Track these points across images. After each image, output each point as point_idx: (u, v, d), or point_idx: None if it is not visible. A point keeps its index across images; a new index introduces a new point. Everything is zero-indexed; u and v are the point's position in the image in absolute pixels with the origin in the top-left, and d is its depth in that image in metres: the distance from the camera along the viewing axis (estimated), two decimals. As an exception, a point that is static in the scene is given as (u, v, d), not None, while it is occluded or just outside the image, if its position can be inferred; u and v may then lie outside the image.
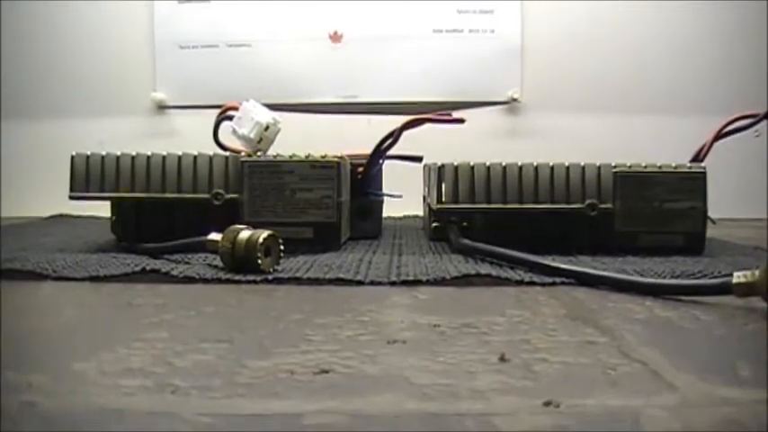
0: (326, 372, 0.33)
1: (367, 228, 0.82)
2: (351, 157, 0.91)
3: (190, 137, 1.15)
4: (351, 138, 1.14)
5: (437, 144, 1.16)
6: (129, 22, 1.15)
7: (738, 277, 0.45)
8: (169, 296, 0.50)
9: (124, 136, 1.15)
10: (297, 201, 0.68)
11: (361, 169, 0.80)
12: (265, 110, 0.73)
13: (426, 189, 0.85)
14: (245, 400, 0.29)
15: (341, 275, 0.55)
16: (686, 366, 0.33)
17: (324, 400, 0.29)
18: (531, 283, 0.54)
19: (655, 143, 1.15)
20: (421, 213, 0.95)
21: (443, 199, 0.70)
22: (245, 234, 0.57)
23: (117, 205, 0.71)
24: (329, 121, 1.15)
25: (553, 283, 0.54)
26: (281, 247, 0.58)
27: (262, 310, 0.46)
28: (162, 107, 1.16)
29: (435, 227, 0.77)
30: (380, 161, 0.79)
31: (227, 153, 0.70)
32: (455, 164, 0.70)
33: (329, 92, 1.15)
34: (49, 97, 1.17)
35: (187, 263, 0.61)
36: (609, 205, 0.69)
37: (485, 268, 0.57)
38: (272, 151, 0.77)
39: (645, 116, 1.15)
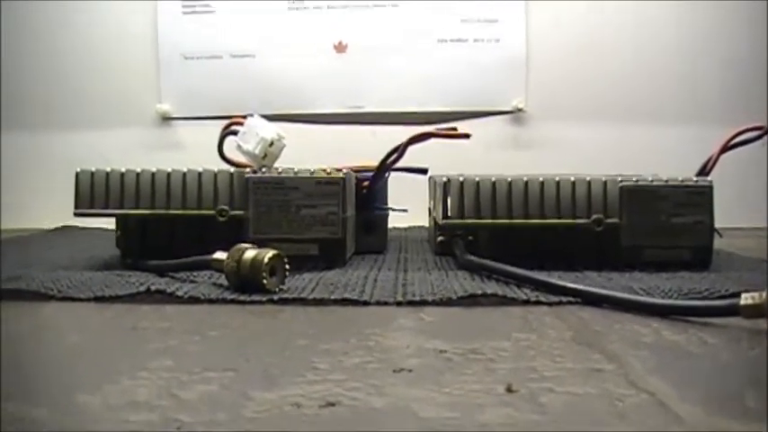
0: (333, 405, 0.32)
1: (372, 242, 0.81)
2: (356, 169, 0.91)
3: (195, 148, 1.15)
4: (355, 149, 1.14)
5: (442, 153, 1.16)
6: (132, 33, 1.15)
7: (746, 299, 0.45)
8: (174, 319, 0.49)
9: (129, 148, 1.15)
10: (302, 217, 0.68)
11: (366, 184, 0.80)
12: (270, 125, 0.73)
13: (432, 202, 0.85)
14: (251, 437, 0.29)
15: (346, 295, 0.55)
16: (693, 397, 0.33)
17: (330, 436, 0.29)
18: (538, 303, 0.54)
19: (661, 153, 1.15)
20: (426, 224, 0.95)
21: (449, 214, 0.70)
22: (250, 253, 0.57)
23: (122, 221, 0.71)
24: (334, 132, 1.15)
25: (559, 303, 0.54)
26: (287, 266, 0.58)
27: (267, 334, 0.46)
28: (167, 118, 1.16)
29: (440, 241, 0.77)
30: (385, 176, 0.79)
31: (232, 169, 0.70)
32: (461, 179, 0.70)
33: (334, 102, 1.14)
34: (53, 109, 1.17)
35: (193, 281, 0.61)
36: (615, 220, 0.69)
37: (491, 287, 0.57)
38: (277, 164, 0.77)
39: (651, 126, 1.15)
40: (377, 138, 1.15)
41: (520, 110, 1.15)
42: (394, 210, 0.83)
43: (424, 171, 0.92)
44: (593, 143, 1.15)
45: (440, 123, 1.16)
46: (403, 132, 1.16)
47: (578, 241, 0.70)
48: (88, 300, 0.55)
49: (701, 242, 0.69)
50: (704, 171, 0.79)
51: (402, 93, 1.14)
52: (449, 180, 0.71)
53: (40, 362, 0.41)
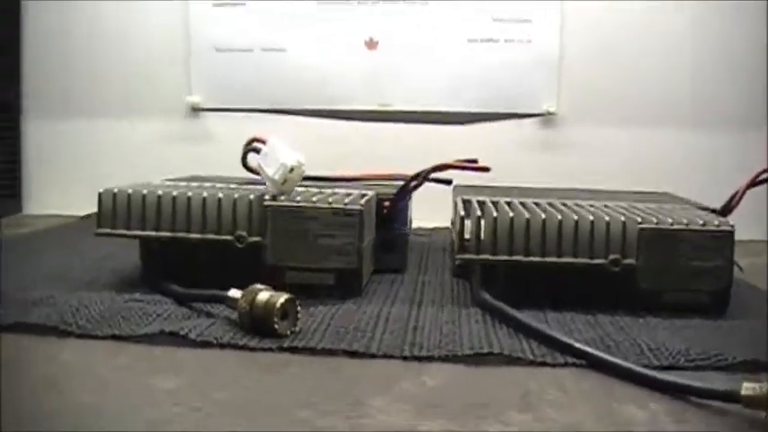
0: None
1: (392, 260, 0.82)
2: (382, 177, 0.91)
3: (224, 140, 1.17)
4: (384, 148, 1.15)
5: (470, 152, 1.16)
6: (164, 25, 1.16)
7: (747, 389, 0.45)
8: (184, 371, 0.51)
9: (160, 138, 1.17)
10: (319, 247, 0.69)
11: (387, 204, 0.80)
12: (291, 150, 0.73)
13: (453, 217, 0.84)
14: None
15: (354, 347, 0.55)
16: None
17: None
18: (543, 364, 0.54)
19: (695, 158, 1.13)
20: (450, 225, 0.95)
21: (465, 249, 0.70)
22: (263, 296, 0.58)
23: (143, 242, 0.73)
24: (363, 130, 1.15)
25: (564, 364, 0.54)
26: (298, 310, 0.59)
27: (271, 398, 0.47)
28: (196, 109, 1.17)
29: (458, 265, 0.77)
30: (406, 198, 0.79)
31: (252, 195, 0.70)
32: (478, 213, 0.70)
33: (363, 99, 1.14)
34: (85, 99, 1.19)
35: (209, 314, 0.62)
36: (632, 261, 0.68)
37: (498, 339, 0.58)
38: (302, 183, 0.78)
39: (684, 131, 1.13)
40: (405, 135, 1.15)
41: (551, 113, 1.13)
42: (414, 234, 0.83)
43: (448, 182, 0.92)
44: (624, 148, 1.13)
45: (468, 124, 1.15)
46: (432, 131, 1.16)
47: (595, 281, 0.70)
48: (105, 338, 0.57)
49: (719, 286, 0.68)
50: (730, 206, 0.78)
51: (431, 92, 1.14)
52: (466, 214, 0.70)
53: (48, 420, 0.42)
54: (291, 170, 0.71)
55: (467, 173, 0.80)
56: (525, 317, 0.62)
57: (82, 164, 1.18)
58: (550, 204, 0.77)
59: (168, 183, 0.81)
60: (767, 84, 1.11)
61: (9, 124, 1.17)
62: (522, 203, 0.77)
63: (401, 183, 0.93)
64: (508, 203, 0.77)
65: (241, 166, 0.82)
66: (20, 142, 1.18)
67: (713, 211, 0.80)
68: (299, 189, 0.76)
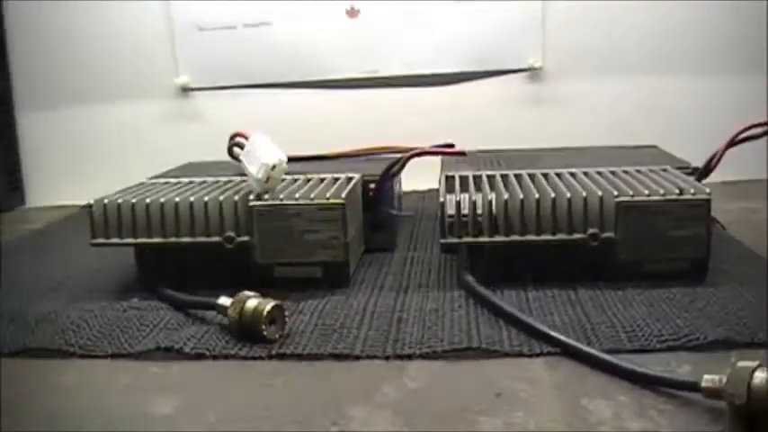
0: None
1: (382, 239, 0.84)
2: (372, 151, 0.94)
3: (214, 118, 1.18)
4: (374, 114, 1.15)
5: (459, 111, 1.17)
6: (145, 8, 1.15)
7: (707, 381, 0.47)
8: (178, 391, 0.54)
9: (151, 120, 1.18)
10: (305, 242, 0.71)
11: (372, 186, 0.82)
12: (272, 148, 0.74)
13: (440, 187, 0.84)
14: None
15: (339, 349, 0.58)
16: None
17: None
18: (519, 355, 0.56)
19: (684, 108, 1.13)
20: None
21: (447, 234, 0.71)
22: (251, 304, 0.61)
23: (137, 248, 0.75)
24: (352, 98, 1.16)
25: (540, 354, 0.56)
26: (286, 314, 0.61)
27: (259, 416, 0.50)
28: (186, 89, 1.17)
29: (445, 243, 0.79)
30: (388, 184, 0.81)
31: (236, 197, 0.72)
32: (457, 198, 0.71)
33: (349, 68, 1.14)
34: (72, 87, 1.20)
35: (203, 320, 0.65)
36: (611, 234, 0.70)
37: (478, 330, 0.60)
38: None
39: (670, 77, 1.12)
40: (392, 103, 1.15)
41: (537, 68, 1.13)
42: (399, 215, 0.84)
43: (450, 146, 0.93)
44: (612, 99, 1.13)
45: (456, 84, 1.15)
46: (420, 94, 1.16)
47: (575, 256, 0.71)
48: (105, 357, 0.60)
49: (697, 254, 0.70)
50: (709, 166, 0.79)
51: (417, 55, 1.13)
52: (446, 200, 0.72)
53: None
54: (273, 167, 0.73)
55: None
56: (505, 301, 0.65)
57: (78, 151, 1.20)
58: (531, 176, 0.79)
59: (159, 182, 0.83)
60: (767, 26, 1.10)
61: (5, 118, 1.19)
62: (503, 177, 0.79)
63: (391, 155, 0.95)
64: (490, 179, 0.78)
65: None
66: (17, 135, 1.19)
67: (694, 170, 0.81)
68: (286, 177, 0.78)
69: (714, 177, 0.81)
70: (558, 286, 0.70)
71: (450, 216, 0.71)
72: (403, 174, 0.95)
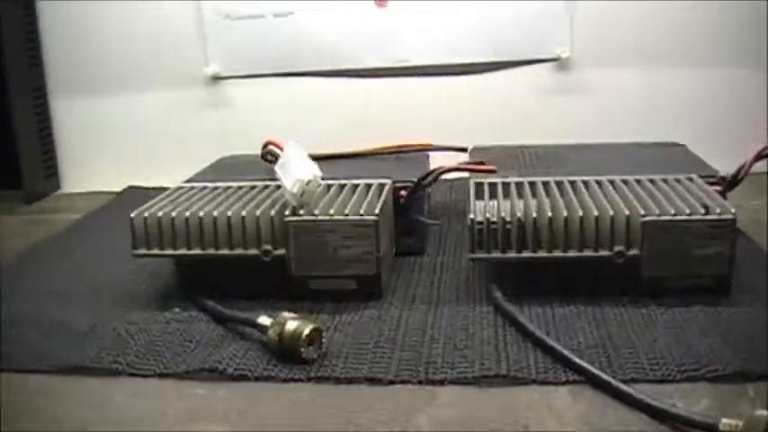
0: None
1: (411, 244, 0.87)
2: (404, 147, 0.96)
3: (244, 106, 1.20)
4: (401, 103, 1.16)
5: (485, 101, 1.17)
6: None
7: (724, 426, 0.50)
8: (223, 420, 0.57)
9: (181, 108, 1.20)
10: (339, 257, 0.74)
11: (403, 193, 0.84)
12: (307, 162, 0.76)
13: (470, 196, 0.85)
14: None
15: (373, 373, 0.61)
16: None
17: None
18: (545, 383, 0.59)
19: (711, 99, 1.12)
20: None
21: (475, 250, 0.73)
22: (290, 326, 0.64)
23: (178, 260, 0.78)
24: (380, 87, 1.17)
25: (565, 382, 0.59)
26: (323, 335, 0.64)
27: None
28: (216, 78, 1.19)
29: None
30: (420, 193, 0.83)
31: (273, 212, 0.75)
32: (487, 215, 0.73)
33: (377, 58, 1.15)
34: (107, 75, 1.21)
35: (242, 336, 0.68)
36: (636, 252, 0.72)
37: (506, 352, 0.63)
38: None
39: (700, 70, 1.12)
40: (420, 91, 1.16)
41: (564, 58, 1.13)
42: (428, 223, 0.87)
43: (463, 150, 0.96)
44: (639, 89, 1.13)
45: (483, 73, 1.16)
46: (448, 83, 1.17)
47: (601, 272, 0.73)
48: (153, 376, 0.63)
49: (720, 271, 0.72)
50: (737, 179, 0.80)
51: (445, 45, 1.14)
52: (475, 210, 0.74)
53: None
54: (308, 183, 0.75)
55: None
56: (532, 321, 0.67)
57: (111, 138, 1.23)
58: (558, 185, 0.80)
59: (196, 188, 0.85)
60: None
61: (40, 106, 1.21)
62: (531, 185, 0.80)
63: (421, 152, 0.97)
64: (518, 188, 0.80)
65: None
66: (51, 123, 1.22)
67: (722, 179, 0.82)
68: (321, 183, 0.80)
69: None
70: (584, 302, 0.72)
71: (480, 230, 0.73)
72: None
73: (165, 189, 1.18)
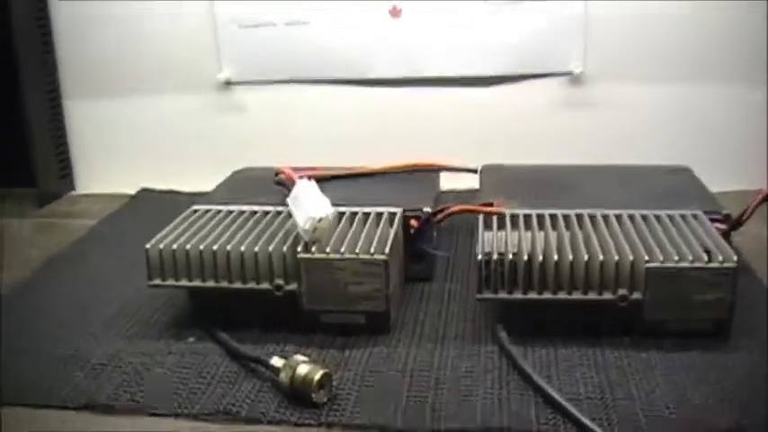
0: None
1: (420, 270, 0.89)
2: (417, 167, 0.98)
3: (255, 111, 1.21)
4: (412, 114, 1.17)
5: (496, 114, 1.18)
6: (189, 5, 1.16)
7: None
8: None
9: (194, 112, 1.21)
10: (349, 293, 0.76)
11: (413, 222, 0.85)
12: (320, 199, 0.78)
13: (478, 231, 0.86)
14: None
15: (381, 421, 0.64)
16: None
17: None
18: (546, 436, 0.62)
19: (723, 117, 1.13)
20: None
21: (482, 290, 0.75)
22: (301, 371, 0.66)
23: (192, 291, 0.80)
24: (391, 96, 1.17)
25: (566, 435, 0.62)
26: (333, 379, 0.67)
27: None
28: (229, 83, 1.20)
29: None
30: (431, 226, 0.85)
31: (285, 248, 0.76)
32: (495, 257, 0.74)
33: (391, 69, 1.16)
34: (121, 78, 1.22)
35: (255, 373, 0.71)
36: (639, 296, 0.73)
37: (509, 400, 0.65)
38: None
39: (714, 87, 1.12)
40: (431, 103, 1.17)
41: (577, 73, 1.13)
42: (437, 254, 0.88)
43: (473, 171, 0.98)
44: (651, 108, 1.13)
45: (496, 86, 1.16)
46: (459, 94, 1.18)
47: (603, 315, 0.75)
48: (169, 416, 0.66)
49: (720, 316, 0.74)
50: (741, 220, 0.81)
51: (459, 56, 1.14)
52: (483, 256, 0.75)
53: None
54: (320, 220, 0.77)
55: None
56: (534, 367, 0.70)
57: (125, 141, 1.24)
58: (566, 219, 0.82)
59: (210, 213, 0.86)
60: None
61: (54, 108, 1.22)
62: (539, 218, 0.82)
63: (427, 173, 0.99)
64: (527, 220, 0.81)
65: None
66: (65, 124, 1.23)
67: (726, 217, 0.83)
68: (331, 218, 0.81)
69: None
70: (586, 343, 0.74)
71: (487, 271, 0.75)
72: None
73: (177, 193, 1.21)
